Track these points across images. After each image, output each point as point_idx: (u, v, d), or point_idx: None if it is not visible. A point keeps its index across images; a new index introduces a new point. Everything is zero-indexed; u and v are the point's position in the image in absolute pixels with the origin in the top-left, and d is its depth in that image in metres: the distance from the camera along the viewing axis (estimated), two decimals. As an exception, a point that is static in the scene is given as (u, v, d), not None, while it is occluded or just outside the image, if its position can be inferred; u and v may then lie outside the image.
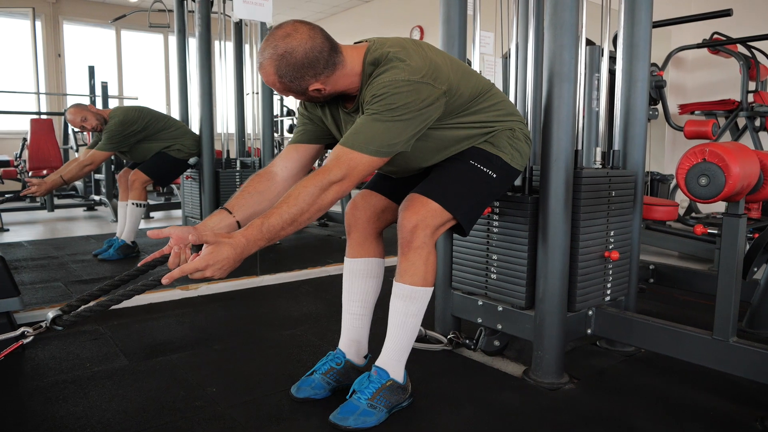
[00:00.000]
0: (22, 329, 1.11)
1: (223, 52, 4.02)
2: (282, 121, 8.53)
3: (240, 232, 1.20)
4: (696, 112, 4.72)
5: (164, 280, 1.14)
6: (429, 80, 1.34)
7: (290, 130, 8.65)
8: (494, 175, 1.52)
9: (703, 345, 1.56)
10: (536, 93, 1.89)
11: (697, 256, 3.59)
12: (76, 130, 6.67)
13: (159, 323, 2.24)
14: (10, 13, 7.89)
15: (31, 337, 1.10)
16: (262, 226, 1.21)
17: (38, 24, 8.03)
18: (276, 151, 4.38)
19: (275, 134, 6.68)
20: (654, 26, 1.94)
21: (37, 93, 7.72)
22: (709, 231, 1.55)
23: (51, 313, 1.13)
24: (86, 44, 8.60)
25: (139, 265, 1.31)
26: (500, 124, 1.54)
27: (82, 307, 1.15)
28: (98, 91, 5.89)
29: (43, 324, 1.12)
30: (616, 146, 1.92)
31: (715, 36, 4.56)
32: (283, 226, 1.23)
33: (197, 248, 1.21)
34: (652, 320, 1.70)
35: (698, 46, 4.34)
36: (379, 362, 1.49)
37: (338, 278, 3.02)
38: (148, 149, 3.56)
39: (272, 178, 1.53)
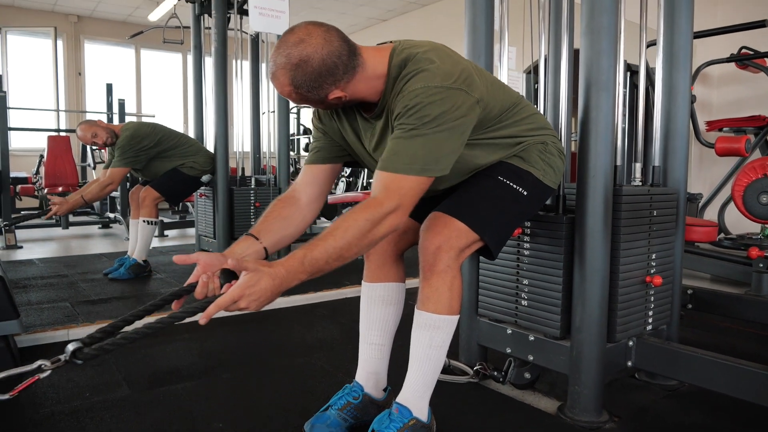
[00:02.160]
0: (39, 363, 1.01)
1: (240, 69, 3.97)
2: (298, 140, 8.50)
3: (280, 263, 1.10)
4: (724, 129, 4.55)
5: (201, 321, 1.05)
6: (462, 86, 1.21)
7: (307, 149, 8.62)
8: (525, 193, 1.39)
9: (763, 382, 1.40)
10: (567, 107, 1.76)
11: (732, 279, 3.40)
12: (94, 147, 6.70)
13: (166, 348, 2.12)
14: (33, 33, 8.01)
15: (48, 372, 1.00)
16: (305, 259, 1.10)
17: (60, 43, 8.14)
18: (292, 169, 4.29)
19: (291, 152, 6.62)
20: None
21: (57, 110, 7.78)
22: (766, 255, 1.39)
23: (71, 346, 1.03)
24: (106, 62, 8.70)
25: (167, 295, 1.19)
26: (531, 138, 1.42)
27: (107, 341, 1.05)
28: (115, 108, 5.89)
29: (62, 357, 1.02)
30: (656, 162, 1.78)
31: (744, 50, 4.41)
32: (327, 260, 1.12)
33: (227, 276, 1.13)
34: (701, 352, 1.54)
35: (728, 60, 4.19)
36: (400, 398, 1.35)
37: (355, 301, 2.89)
38: (160, 167, 3.50)
39: (296, 203, 1.42)
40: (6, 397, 0.99)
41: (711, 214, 4.46)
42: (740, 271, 3.31)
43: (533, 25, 2.01)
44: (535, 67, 2.45)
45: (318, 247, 1.12)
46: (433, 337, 1.32)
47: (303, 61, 1.18)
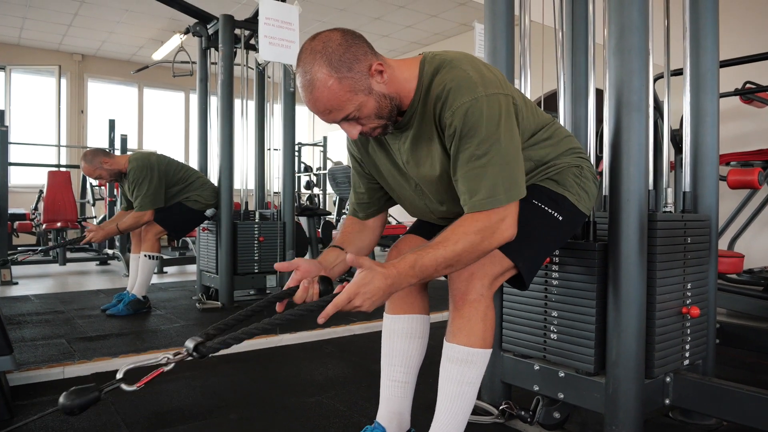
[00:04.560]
0: (163, 356, 1.05)
1: (245, 104, 3.94)
2: (299, 177, 8.46)
3: (391, 264, 1.10)
4: (732, 163, 4.53)
5: (320, 320, 1.06)
6: (505, 90, 1.18)
7: (307, 186, 8.57)
8: (560, 218, 1.31)
9: (820, 422, 1.29)
10: (594, 137, 1.71)
11: (750, 314, 3.29)
12: (94, 183, 6.65)
13: (167, 387, 2.00)
14: (38, 71, 8.07)
15: (172, 365, 1.04)
16: (415, 264, 1.10)
17: (63, 81, 8.19)
18: (296, 204, 4.23)
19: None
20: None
21: (58, 146, 7.76)
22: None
23: (191, 342, 1.06)
24: (109, 100, 8.75)
25: (270, 296, 1.26)
26: (565, 162, 1.35)
27: (228, 335, 1.08)
28: (117, 144, 5.86)
29: (183, 351, 1.05)
30: (687, 187, 1.71)
31: (748, 85, 4.43)
32: (437, 269, 1.12)
33: (324, 282, 1.23)
34: (746, 388, 1.43)
35: (734, 93, 4.19)
36: (428, 441, 1.23)
37: (364, 338, 2.79)
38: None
39: (362, 222, 1.48)
40: (133, 387, 1.03)
41: (721, 246, 4.39)
42: (760, 306, 3.20)
43: (544, 60, 1.98)
44: (544, 99, 2.41)
45: (428, 254, 1.11)
46: (464, 373, 1.21)
47: (325, 44, 1.13)
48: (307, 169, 8.74)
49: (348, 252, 1.35)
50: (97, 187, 6.61)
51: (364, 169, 1.44)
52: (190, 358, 1.04)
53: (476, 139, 1.13)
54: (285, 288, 1.25)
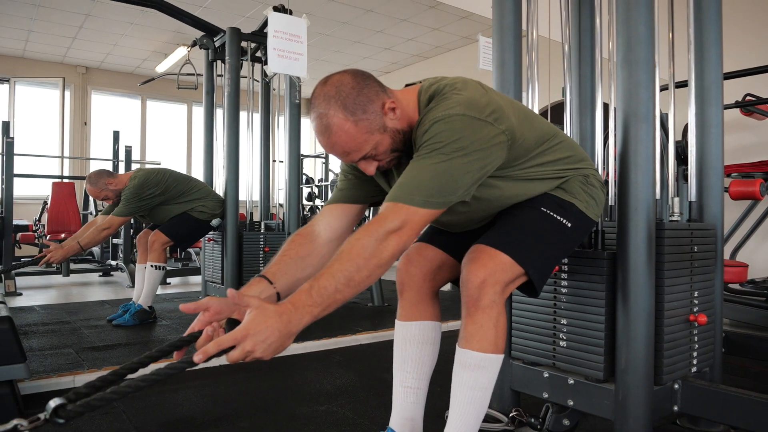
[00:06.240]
0: (15, 422, 0.89)
1: (251, 116, 3.98)
2: (300, 189, 8.48)
3: (287, 299, 1.00)
4: (733, 174, 4.56)
5: (196, 358, 0.92)
6: (489, 119, 1.16)
7: (309, 198, 8.60)
8: (569, 225, 1.33)
9: (828, 427, 1.31)
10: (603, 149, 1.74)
11: (754, 324, 3.29)
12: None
13: (177, 396, 2.01)
14: (42, 83, 8.13)
15: None
16: (312, 290, 1.00)
17: (67, 93, 8.25)
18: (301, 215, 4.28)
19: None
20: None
21: (61, 157, 7.80)
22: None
23: (53, 402, 0.91)
24: (112, 112, 8.80)
25: (164, 346, 1.08)
26: (572, 171, 1.38)
27: (94, 396, 0.93)
28: (122, 155, 5.90)
29: (41, 416, 0.89)
30: (692, 197, 1.74)
31: (748, 97, 4.48)
32: (337, 287, 1.02)
33: (232, 326, 1.01)
34: (755, 395, 1.45)
35: (735, 105, 4.24)
36: (442, 446, 1.25)
37: (371, 347, 2.80)
38: (168, 211, 3.44)
39: (314, 240, 1.33)
40: None
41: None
42: (764, 317, 3.22)
43: (551, 72, 2.01)
44: (551, 108, 2.45)
45: (324, 274, 1.02)
46: (477, 378, 1.23)
47: (338, 87, 1.16)
48: (309, 180, 8.78)
49: (277, 286, 1.22)
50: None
51: (359, 178, 1.39)
52: (47, 422, 0.88)
53: (432, 146, 1.12)
54: (187, 332, 1.09)
